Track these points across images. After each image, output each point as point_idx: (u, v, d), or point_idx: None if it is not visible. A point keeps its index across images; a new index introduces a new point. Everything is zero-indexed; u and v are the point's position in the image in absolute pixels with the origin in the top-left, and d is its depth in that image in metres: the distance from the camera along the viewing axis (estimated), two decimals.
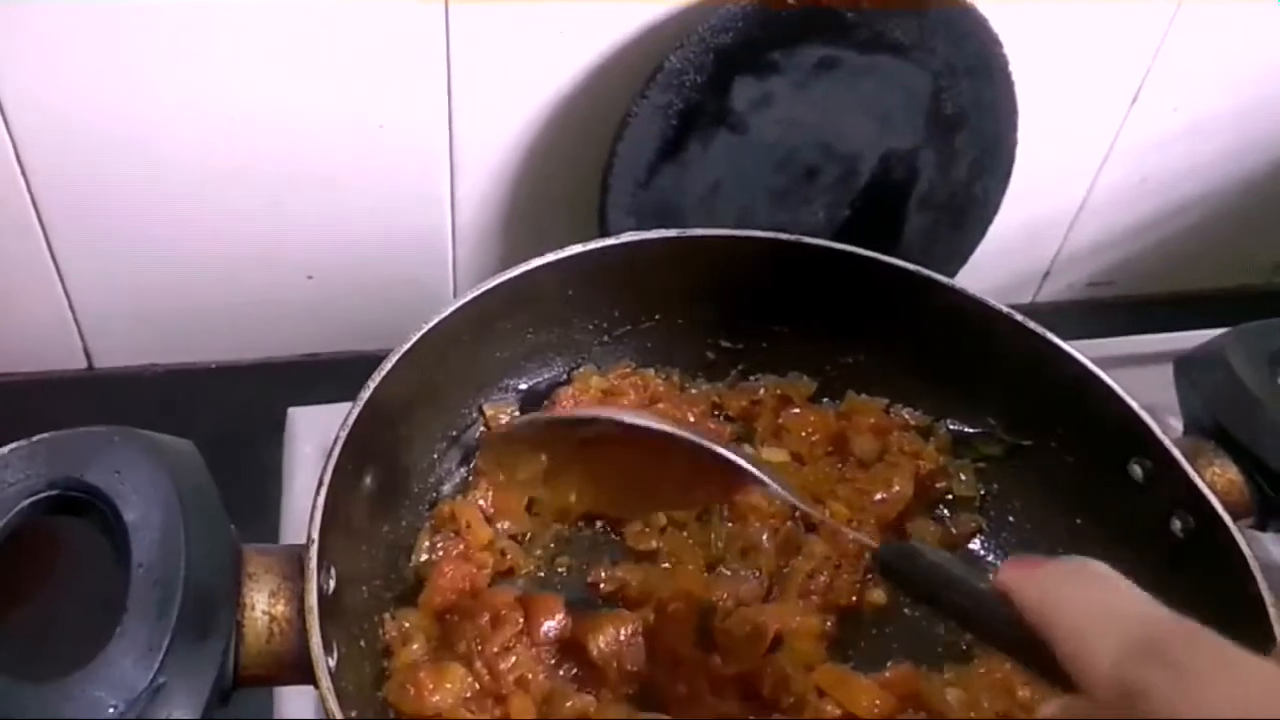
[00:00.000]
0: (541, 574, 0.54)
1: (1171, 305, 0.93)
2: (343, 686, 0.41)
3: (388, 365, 0.48)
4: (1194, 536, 0.49)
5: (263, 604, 0.41)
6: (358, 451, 0.46)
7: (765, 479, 0.44)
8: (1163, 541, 0.50)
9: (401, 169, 0.70)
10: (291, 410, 0.67)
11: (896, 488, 0.57)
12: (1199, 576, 0.47)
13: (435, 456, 0.57)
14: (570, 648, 0.49)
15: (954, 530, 0.58)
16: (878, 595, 0.54)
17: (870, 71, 0.70)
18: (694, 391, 0.62)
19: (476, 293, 0.52)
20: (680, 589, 0.51)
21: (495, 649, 0.47)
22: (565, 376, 0.61)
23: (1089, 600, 0.25)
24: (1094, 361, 0.53)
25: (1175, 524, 0.49)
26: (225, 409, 0.72)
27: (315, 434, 0.63)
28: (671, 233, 0.57)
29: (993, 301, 0.56)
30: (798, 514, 0.56)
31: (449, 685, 0.46)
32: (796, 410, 0.61)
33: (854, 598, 0.54)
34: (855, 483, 0.58)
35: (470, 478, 0.57)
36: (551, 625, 0.49)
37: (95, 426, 0.41)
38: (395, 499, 0.52)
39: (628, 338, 0.61)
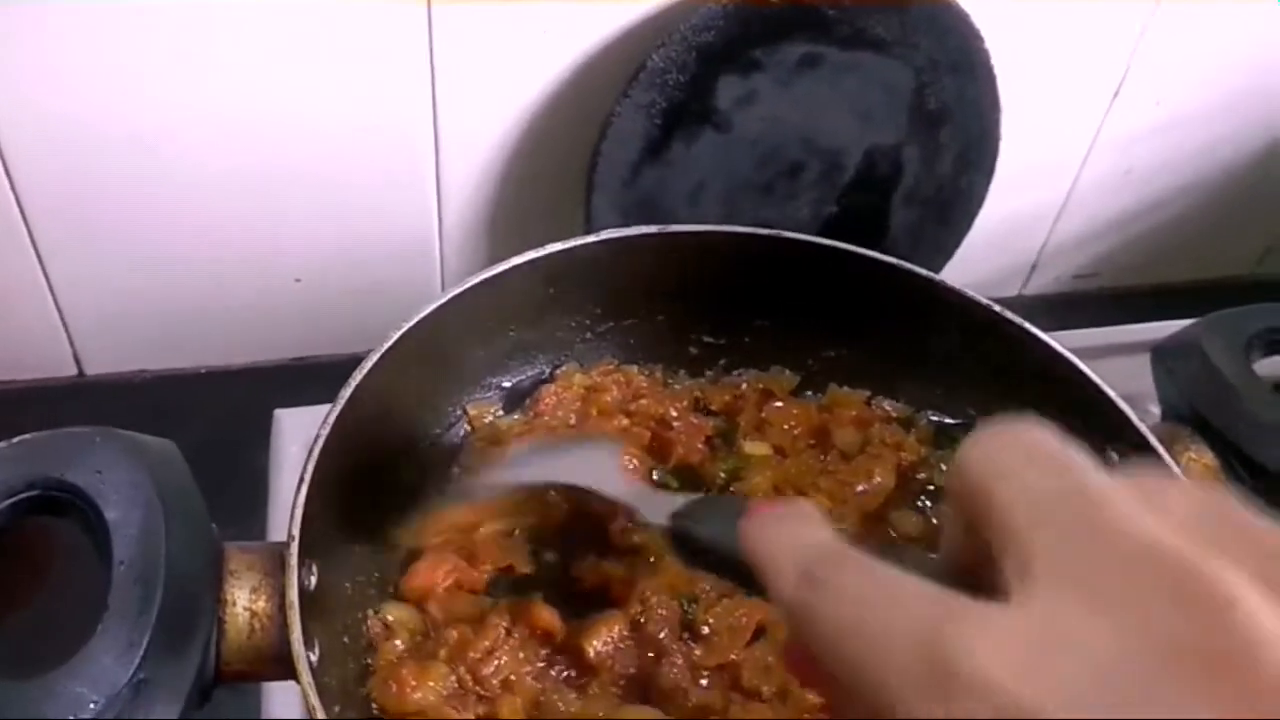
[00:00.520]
0: (527, 570, 0.54)
1: (1155, 297, 0.94)
2: (325, 682, 0.41)
3: (369, 364, 0.48)
4: None
5: (244, 600, 0.41)
6: (340, 450, 0.46)
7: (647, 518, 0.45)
8: None
9: (387, 171, 0.71)
10: (278, 412, 0.67)
11: (878, 479, 0.57)
12: None
13: (418, 454, 0.57)
14: (564, 650, 0.49)
15: (935, 520, 0.58)
16: None
17: (853, 68, 0.70)
18: (677, 387, 0.62)
19: (457, 291, 0.53)
20: (663, 582, 0.51)
21: (478, 654, 0.47)
22: (548, 374, 0.61)
23: (781, 536, 0.27)
24: (1075, 352, 0.53)
25: None
26: (215, 413, 0.72)
27: (301, 435, 0.64)
28: (651, 229, 0.58)
29: (972, 293, 0.56)
30: None
31: (432, 683, 0.46)
32: (779, 404, 0.61)
33: None
34: (837, 474, 0.58)
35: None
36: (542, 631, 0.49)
37: (76, 427, 0.41)
38: (378, 497, 0.53)
39: (610, 334, 0.62)
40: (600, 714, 0.47)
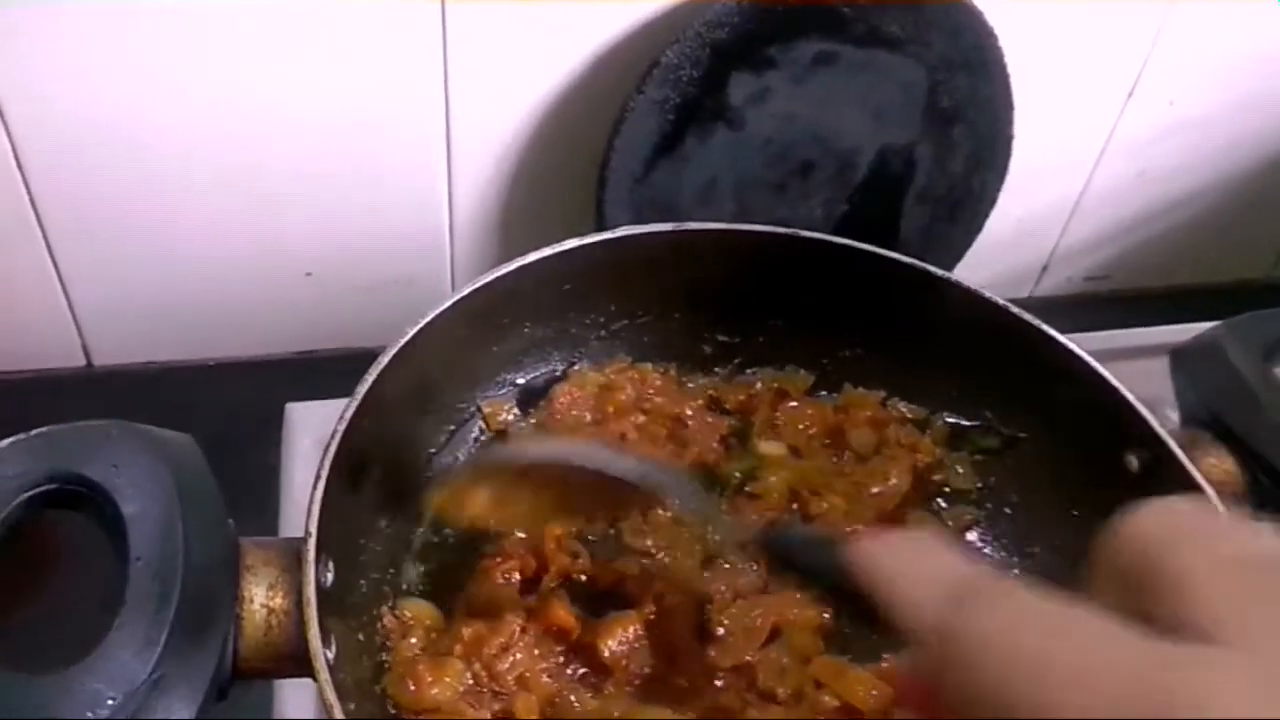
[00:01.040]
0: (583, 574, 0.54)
1: (1167, 299, 0.93)
2: (341, 679, 0.41)
3: (384, 360, 0.48)
4: None
5: (261, 597, 0.41)
6: (355, 446, 0.46)
7: (669, 493, 0.45)
8: None
9: (399, 166, 0.70)
10: (289, 406, 0.67)
11: (893, 480, 0.57)
12: None
13: (433, 451, 0.57)
14: (579, 648, 0.49)
15: (951, 523, 0.58)
16: None
17: (866, 66, 0.70)
18: (691, 386, 0.62)
19: (472, 288, 0.52)
20: (678, 582, 0.51)
21: (493, 651, 0.47)
22: (562, 372, 0.61)
23: (912, 561, 0.28)
24: (1091, 354, 0.53)
25: None
26: (224, 406, 0.72)
27: (313, 430, 0.64)
28: (667, 227, 0.57)
29: (989, 294, 0.56)
30: (795, 506, 0.56)
31: (448, 679, 0.46)
32: (794, 404, 0.61)
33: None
34: (852, 476, 0.57)
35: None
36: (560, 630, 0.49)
37: (93, 420, 0.41)
38: (393, 494, 0.53)
39: (625, 332, 0.61)
40: (615, 714, 0.47)
